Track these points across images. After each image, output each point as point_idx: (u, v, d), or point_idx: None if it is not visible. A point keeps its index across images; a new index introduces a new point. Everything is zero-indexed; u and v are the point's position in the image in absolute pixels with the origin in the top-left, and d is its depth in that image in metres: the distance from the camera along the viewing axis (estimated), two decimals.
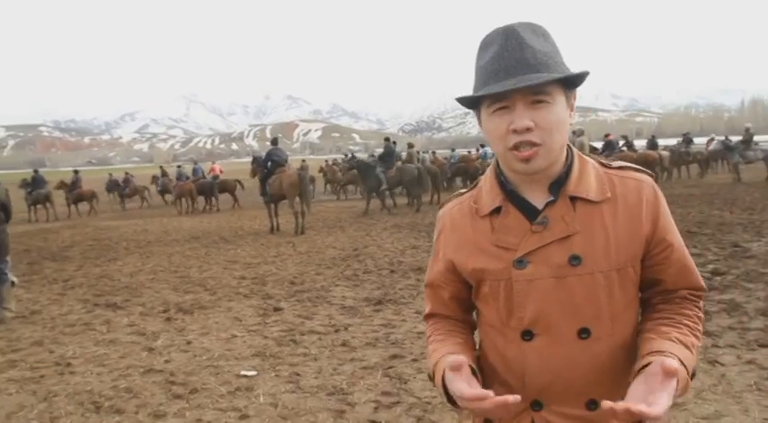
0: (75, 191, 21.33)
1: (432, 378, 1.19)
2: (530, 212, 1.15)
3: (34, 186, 19.62)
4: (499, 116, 1.09)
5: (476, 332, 1.31)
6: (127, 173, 25.97)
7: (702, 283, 1.20)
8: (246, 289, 6.75)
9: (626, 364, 1.13)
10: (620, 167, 1.20)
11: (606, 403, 0.90)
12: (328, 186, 25.40)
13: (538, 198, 1.16)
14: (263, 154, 13.00)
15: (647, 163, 17.04)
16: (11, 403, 3.72)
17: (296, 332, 4.92)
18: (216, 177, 21.16)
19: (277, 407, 3.45)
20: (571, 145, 1.19)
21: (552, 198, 1.14)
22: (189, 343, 4.79)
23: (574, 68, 1.11)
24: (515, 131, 1.07)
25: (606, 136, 19.67)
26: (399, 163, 15.76)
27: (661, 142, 25.14)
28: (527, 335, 1.15)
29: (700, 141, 26.59)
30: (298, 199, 11.89)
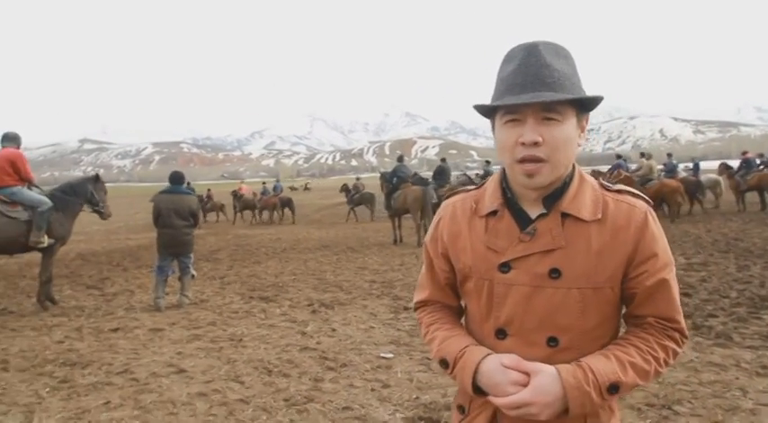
0: (209, 204, 23.88)
1: (446, 364, 1.26)
2: (523, 221, 1.22)
3: None
4: (510, 127, 1.16)
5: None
6: (209, 189, 27.96)
7: (676, 315, 1.22)
8: (378, 291, 7.53)
9: None
10: (618, 191, 1.24)
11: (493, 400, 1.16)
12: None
13: (533, 209, 1.22)
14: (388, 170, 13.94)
15: None
16: (202, 364, 4.71)
17: None
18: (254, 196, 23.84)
19: (413, 381, 4.11)
20: (576, 164, 1.24)
21: (544, 211, 1.20)
22: (334, 330, 5.61)
23: (592, 91, 1.18)
24: (523, 144, 1.14)
25: (743, 154, 18.50)
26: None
27: None
28: (500, 334, 1.22)
29: None
30: (420, 213, 12.61)
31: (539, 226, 1.19)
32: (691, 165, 20.77)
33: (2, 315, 6.91)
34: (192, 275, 7.32)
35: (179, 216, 6.97)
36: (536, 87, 1.11)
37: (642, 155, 17.30)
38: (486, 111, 1.23)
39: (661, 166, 18.33)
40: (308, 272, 9.48)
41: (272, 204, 22.60)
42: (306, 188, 69.55)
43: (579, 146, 1.20)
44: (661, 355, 1.17)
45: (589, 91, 1.19)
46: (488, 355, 1.19)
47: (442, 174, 15.80)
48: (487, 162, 20.79)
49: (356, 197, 22.16)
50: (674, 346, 1.20)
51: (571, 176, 1.21)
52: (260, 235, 16.95)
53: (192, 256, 7.25)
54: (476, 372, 1.18)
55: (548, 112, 1.12)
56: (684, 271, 7.70)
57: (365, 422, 3.47)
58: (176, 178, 7.25)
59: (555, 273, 1.16)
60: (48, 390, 4.23)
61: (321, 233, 16.84)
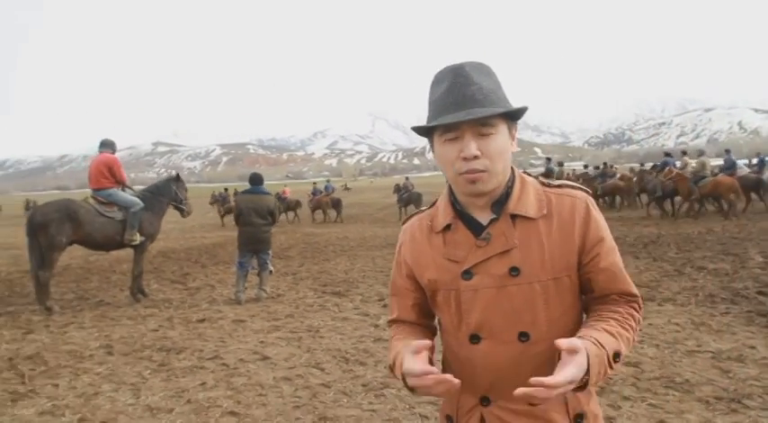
0: (286, 201, 24.59)
1: (392, 369, 1.32)
2: (476, 229, 1.29)
3: (223, 201, 25.22)
4: (450, 144, 1.23)
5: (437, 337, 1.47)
6: (225, 189, 28.66)
7: (633, 289, 1.31)
8: None
9: None
10: (558, 186, 1.33)
11: (517, 391, 1.06)
12: None
13: (483, 216, 1.30)
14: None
15: None
16: (284, 352, 5.08)
17: None
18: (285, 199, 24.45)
19: None
20: (515, 167, 1.33)
21: (494, 216, 1.28)
22: None
23: (516, 103, 1.26)
24: (465, 159, 1.21)
25: None
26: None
27: None
28: (474, 338, 1.28)
29: None
30: None
31: (492, 230, 1.27)
32: (755, 160, 19.83)
33: (100, 306, 7.57)
34: (270, 271, 7.77)
35: (258, 215, 7.42)
36: (469, 105, 1.18)
37: (684, 153, 17.12)
38: (424, 131, 1.29)
39: (720, 162, 17.72)
40: (375, 268, 9.78)
41: (324, 203, 23.48)
42: (346, 188, 69.35)
43: (512, 152, 1.28)
44: (633, 323, 1.26)
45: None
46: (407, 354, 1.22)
47: (546, 175, 16.74)
48: (548, 159, 20.60)
49: (405, 196, 22.58)
50: (638, 314, 1.30)
51: (513, 180, 1.30)
52: (327, 234, 17.43)
53: (270, 252, 7.70)
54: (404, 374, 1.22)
55: (483, 126, 1.20)
56: (762, 270, 7.52)
57: (437, 405, 3.71)
58: (256, 179, 7.71)
59: (514, 271, 1.24)
60: (149, 371, 4.70)
61: (386, 231, 17.15)
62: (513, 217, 1.26)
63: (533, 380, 1.03)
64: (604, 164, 23.57)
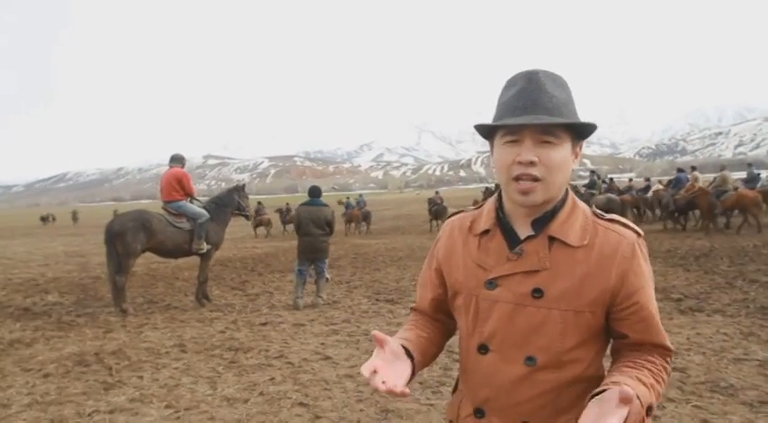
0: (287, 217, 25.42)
1: None
2: (513, 240, 1.26)
3: (286, 213, 25.79)
4: (509, 147, 1.19)
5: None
6: (259, 202, 29.08)
7: (667, 343, 1.26)
8: None
9: (571, 399, 1.22)
10: (610, 220, 1.27)
11: None
12: None
13: (524, 229, 1.26)
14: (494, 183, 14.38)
15: None
16: (344, 353, 5.43)
17: None
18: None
19: None
20: (570, 190, 1.29)
21: (533, 233, 1.24)
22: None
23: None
24: (520, 163, 1.17)
25: None
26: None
27: None
28: (482, 349, 1.27)
29: None
30: None
31: (526, 247, 1.23)
32: None
33: (169, 309, 8.12)
34: (327, 279, 8.18)
35: (316, 225, 7.86)
36: (535, 111, 1.16)
37: (693, 168, 17.27)
38: (487, 132, 1.26)
39: (743, 175, 17.69)
40: None
41: (356, 217, 24.62)
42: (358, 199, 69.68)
43: (573, 170, 1.25)
44: (665, 376, 1.22)
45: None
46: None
47: (590, 186, 17.39)
48: (592, 172, 20.42)
49: (434, 210, 23.33)
50: (669, 367, 1.27)
51: (563, 201, 1.26)
52: (375, 244, 17.82)
53: (327, 261, 8.12)
54: None
55: (545, 134, 1.16)
56: None
57: None
58: (314, 192, 8.16)
59: (537, 292, 1.20)
60: (222, 367, 5.13)
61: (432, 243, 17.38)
62: (552, 239, 1.23)
63: None
64: (611, 178, 23.10)
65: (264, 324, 6.86)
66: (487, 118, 1.29)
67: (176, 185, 8.13)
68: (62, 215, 66.68)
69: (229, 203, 8.93)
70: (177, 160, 8.40)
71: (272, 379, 4.74)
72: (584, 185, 18.49)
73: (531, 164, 1.16)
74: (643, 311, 1.22)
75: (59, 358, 5.60)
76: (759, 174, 17.91)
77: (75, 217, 54.99)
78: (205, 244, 8.17)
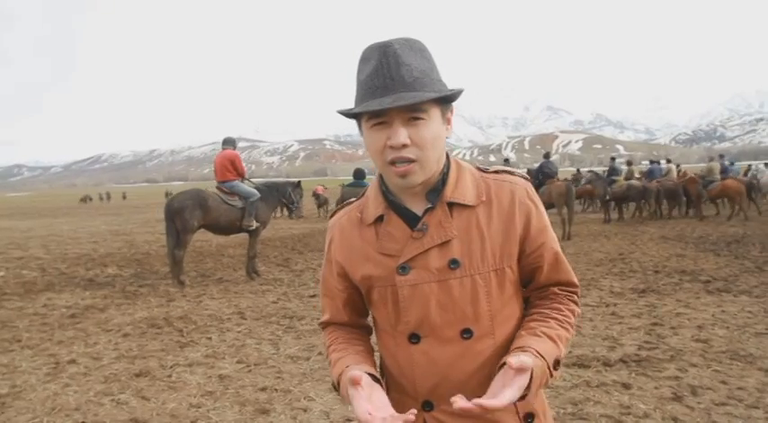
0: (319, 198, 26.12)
1: (336, 389, 1.22)
2: (411, 220, 1.20)
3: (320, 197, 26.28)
4: (378, 131, 1.13)
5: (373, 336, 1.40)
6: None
7: (573, 279, 1.27)
8: None
9: None
10: (496, 172, 1.27)
11: (456, 403, 0.98)
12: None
13: (418, 206, 1.21)
14: (536, 166, 14.65)
15: None
16: None
17: None
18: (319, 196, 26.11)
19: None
20: (449, 153, 1.25)
21: (430, 205, 1.19)
22: None
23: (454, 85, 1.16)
24: (392, 147, 1.11)
25: None
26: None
27: None
28: (414, 338, 1.20)
29: None
30: (565, 208, 13.15)
31: (428, 220, 1.19)
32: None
33: (221, 282, 8.73)
34: None
35: None
36: (398, 88, 1.08)
37: (668, 161, 19.17)
38: (352, 114, 1.19)
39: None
40: None
41: None
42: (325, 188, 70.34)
43: (447, 137, 1.20)
44: (572, 320, 1.23)
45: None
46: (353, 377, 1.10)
47: (611, 172, 17.83)
48: (612, 159, 20.01)
49: None
50: (575, 307, 1.27)
51: (448, 167, 1.23)
52: None
53: None
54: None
55: (413, 112, 1.11)
56: None
57: None
58: (359, 174, 8.65)
59: (454, 263, 1.16)
60: (281, 331, 5.68)
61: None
62: (450, 205, 1.19)
63: (475, 402, 0.98)
64: (577, 170, 23.06)
65: (313, 296, 7.39)
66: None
67: (229, 166, 8.69)
68: (98, 196, 68.80)
69: (281, 191, 9.53)
70: (230, 143, 8.96)
71: None
72: (607, 173, 18.16)
73: (404, 146, 1.11)
74: (549, 251, 1.24)
75: (133, 322, 6.23)
76: (732, 164, 19.43)
77: (124, 197, 58.05)
78: (255, 222, 8.73)
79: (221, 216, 8.47)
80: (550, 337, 1.15)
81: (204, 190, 8.71)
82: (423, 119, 1.12)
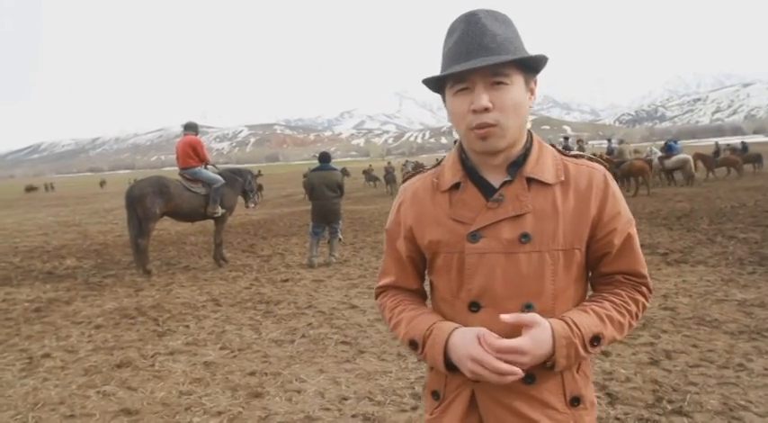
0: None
1: (415, 345, 1.22)
2: (487, 190, 1.22)
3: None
4: (461, 97, 1.15)
5: None
6: (259, 172, 30.46)
7: (642, 269, 1.26)
8: None
9: None
10: (575, 156, 1.28)
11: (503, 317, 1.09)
12: None
13: (496, 177, 1.22)
14: None
15: None
16: (369, 302, 5.97)
17: None
18: None
19: None
20: (533, 132, 1.26)
21: (509, 178, 1.20)
22: None
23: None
24: (474, 111, 1.13)
25: None
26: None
27: None
28: (474, 306, 1.20)
29: None
30: None
31: (505, 192, 1.19)
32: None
33: (188, 270, 8.60)
34: (339, 239, 8.71)
35: (329, 188, 8.36)
36: (481, 53, 1.10)
37: (621, 141, 21.00)
38: (436, 85, 1.23)
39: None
40: None
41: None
42: (259, 174, 70.80)
43: (530, 108, 1.21)
44: (633, 308, 1.22)
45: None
46: (457, 328, 1.17)
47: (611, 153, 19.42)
48: (565, 138, 21.83)
49: (387, 177, 27.34)
50: (643, 299, 1.25)
51: (531, 143, 1.25)
52: (370, 210, 18.27)
53: (341, 222, 8.65)
54: (446, 347, 1.16)
55: (495, 76, 1.12)
56: None
57: None
58: (324, 157, 8.63)
59: (525, 237, 1.17)
60: (259, 316, 5.67)
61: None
62: (529, 181, 1.20)
63: (503, 316, 1.08)
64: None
65: (286, 281, 7.38)
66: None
67: (191, 153, 8.51)
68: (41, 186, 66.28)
69: (243, 177, 9.43)
70: (191, 128, 8.76)
71: (310, 324, 5.28)
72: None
73: (486, 110, 1.12)
74: (618, 238, 1.23)
75: (103, 313, 6.09)
76: (675, 142, 21.72)
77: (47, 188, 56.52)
78: (220, 208, 8.61)
79: (183, 203, 8.31)
80: (598, 315, 1.16)
81: (165, 176, 8.52)
82: (506, 83, 1.13)
